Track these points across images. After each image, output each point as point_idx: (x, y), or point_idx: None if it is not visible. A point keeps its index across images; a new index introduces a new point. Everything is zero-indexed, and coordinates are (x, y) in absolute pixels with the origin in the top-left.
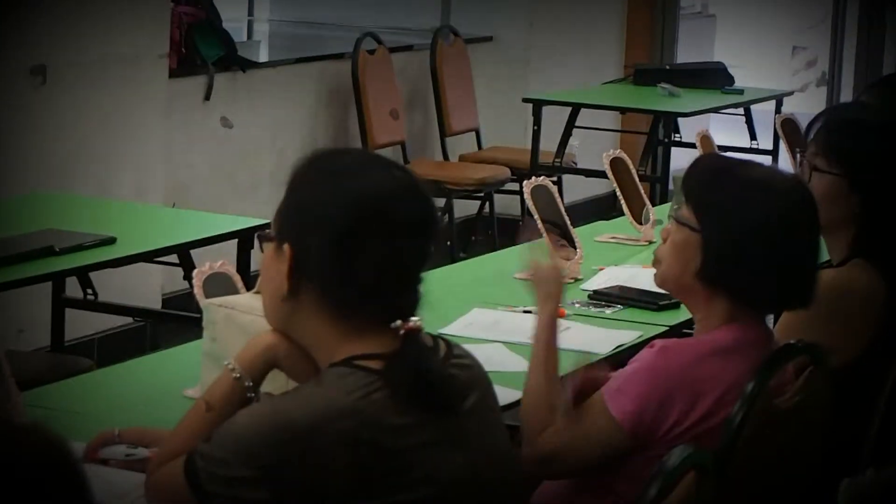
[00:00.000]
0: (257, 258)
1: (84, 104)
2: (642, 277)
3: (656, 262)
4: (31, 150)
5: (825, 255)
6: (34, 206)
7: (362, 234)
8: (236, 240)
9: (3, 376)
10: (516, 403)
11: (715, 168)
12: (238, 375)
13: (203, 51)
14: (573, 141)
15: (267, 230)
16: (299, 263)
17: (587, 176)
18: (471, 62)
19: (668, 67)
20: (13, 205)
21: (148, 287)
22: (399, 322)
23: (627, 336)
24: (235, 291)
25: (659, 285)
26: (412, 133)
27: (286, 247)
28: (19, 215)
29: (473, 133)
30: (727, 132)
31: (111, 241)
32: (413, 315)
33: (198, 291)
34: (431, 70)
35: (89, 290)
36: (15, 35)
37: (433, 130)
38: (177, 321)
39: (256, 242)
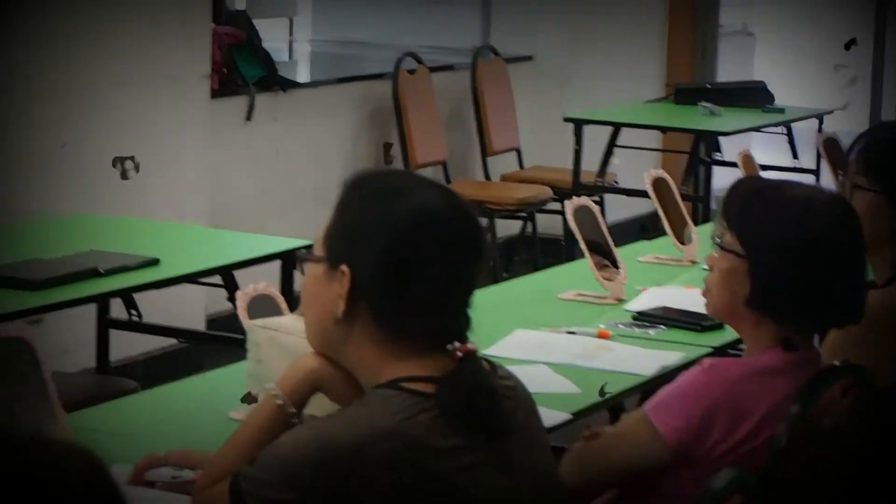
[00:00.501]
0: (300, 279)
1: (126, 124)
2: (685, 298)
3: (706, 293)
4: (73, 171)
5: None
6: (78, 227)
7: (415, 254)
8: (279, 261)
9: (49, 398)
10: (561, 425)
11: (754, 191)
12: (281, 402)
13: (244, 71)
14: (614, 160)
15: (308, 251)
16: (353, 284)
17: (629, 195)
18: (511, 81)
19: (708, 86)
20: (57, 226)
21: (191, 308)
22: (456, 344)
23: (672, 357)
24: (279, 313)
25: (711, 315)
26: (453, 153)
27: (344, 268)
28: (63, 237)
29: (514, 152)
30: (769, 151)
31: (155, 262)
32: (463, 337)
33: (242, 313)
34: (472, 89)
35: (133, 312)
36: (57, 55)
37: (474, 150)
38: (221, 342)
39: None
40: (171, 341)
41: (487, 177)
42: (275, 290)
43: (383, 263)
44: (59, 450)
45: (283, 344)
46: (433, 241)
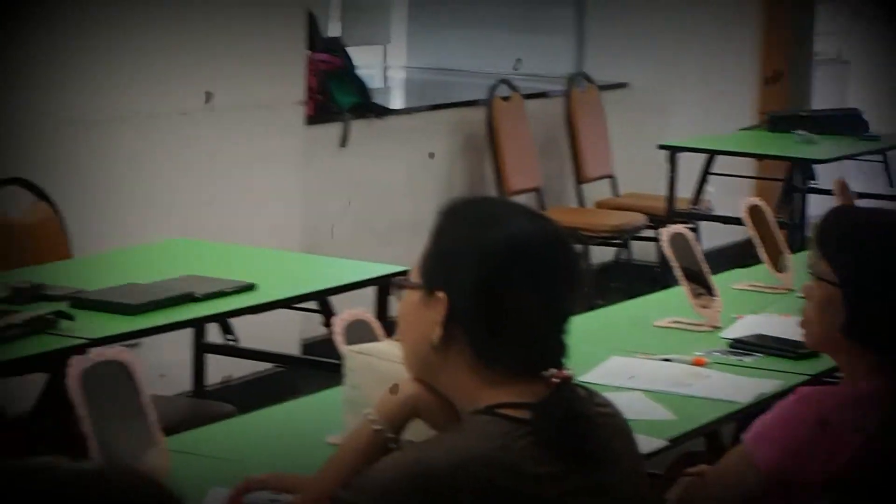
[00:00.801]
0: (396, 305)
1: (222, 151)
2: (781, 325)
3: (804, 323)
4: (171, 196)
5: None
6: (175, 252)
7: (510, 281)
8: (373, 286)
9: (148, 421)
10: (658, 452)
11: (847, 220)
12: (379, 427)
13: (339, 98)
14: (709, 187)
15: (404, 277)
16: (449, 311)
17: (724, 223)
18: (605, 108)
19: (803, 114)
20: (155, 251)
21: (287, 333)
22: (552, 370)
23: (769, 385)
24: (375, 339)
25: (809, 347)
26: (547, 180)
27: (441, 294)
28: (161, 261)
29: (608, 179)
30: (864, 178)
31: (251, 287)
32: (559, 363)
33: (338, 339)
34: (566, 116)
35: (229, 336)
36: (155, 81)
37: (568, 177)
38: (316, 367)
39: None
40: (266, 365)
41: (581, 203)
42: (371, 316)
43: (478, 290)
44: (131, 482)
45: (379, 370)
46: (528, 269)
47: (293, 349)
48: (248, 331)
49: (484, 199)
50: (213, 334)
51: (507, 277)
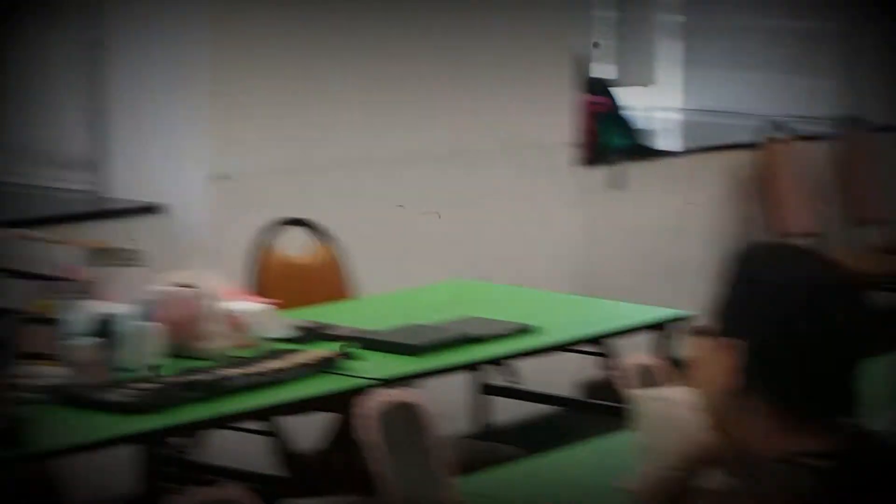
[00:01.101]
0: (673, 349)
1: (496, 191)
2: None
3: None
4: (448, 236)
5: None
6: (454, 292)
7: (803, 327)
8: (651, 330)
9: (441, 461)
10: None
11: None
12: (676, 475)
13: (608, 139)
14: None
15: (698, 324)
16: (745, 357)
17: None
18: (880, 150)
19: None
20: (435, 292)
21: (564, 375)
22: (846, 419)
23: None
24: (655, 383)
25: None
26: (822, 223)
27: (735, 341)
28: (440, 302)
29: (885, 223)
30: None
31: (527, 329)
32: (853, 412)
33: (626, 383)
34: (840, 159)
35: (511, 378)
36: (429, 121)
37: (842, 220)
38: (592, 410)
39: (682, 334)
40: (542, 408)
41: (858, 248)
42: (656, 361)
43: (771, 336)
44: None
45: (673, 416)
46: (821, 315)
47: (564, 391)
48: (525, 372)
49: (776, 245)
50: (490, 375)
51: (800, 323)
